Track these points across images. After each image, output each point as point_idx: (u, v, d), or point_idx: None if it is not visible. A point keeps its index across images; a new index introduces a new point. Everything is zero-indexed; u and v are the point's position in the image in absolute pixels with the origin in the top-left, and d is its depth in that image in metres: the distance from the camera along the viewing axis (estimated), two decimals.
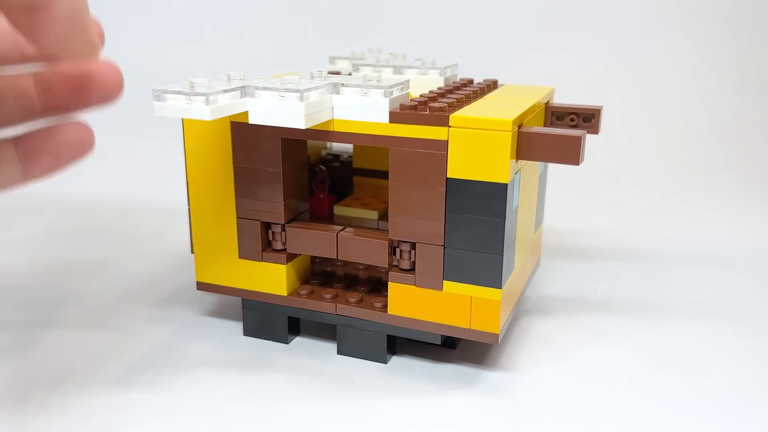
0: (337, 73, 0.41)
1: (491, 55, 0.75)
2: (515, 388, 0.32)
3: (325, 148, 0.43)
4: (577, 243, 0.50)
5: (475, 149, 0.28)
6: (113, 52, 0.28)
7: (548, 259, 0.46)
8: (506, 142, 0.28)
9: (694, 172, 0.68)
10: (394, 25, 0.78)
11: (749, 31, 0.76)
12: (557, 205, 0.51)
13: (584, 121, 0.35)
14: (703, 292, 0.42)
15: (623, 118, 0.72)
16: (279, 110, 0.28)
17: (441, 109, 0.29)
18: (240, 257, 0.34)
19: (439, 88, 0.34)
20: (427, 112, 0.29)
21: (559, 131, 0.29)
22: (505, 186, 0.28)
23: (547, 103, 0.36)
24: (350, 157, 0.41)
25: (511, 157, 0.29)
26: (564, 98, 0.45)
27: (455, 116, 0.28)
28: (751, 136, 0.73)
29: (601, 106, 0.35)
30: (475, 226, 0.29)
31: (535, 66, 0.75)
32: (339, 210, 0.38)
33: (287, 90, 0.28)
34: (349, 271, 0.36)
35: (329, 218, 0.39)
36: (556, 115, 0.35)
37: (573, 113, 0.35)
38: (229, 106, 0.28)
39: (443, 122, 0.29)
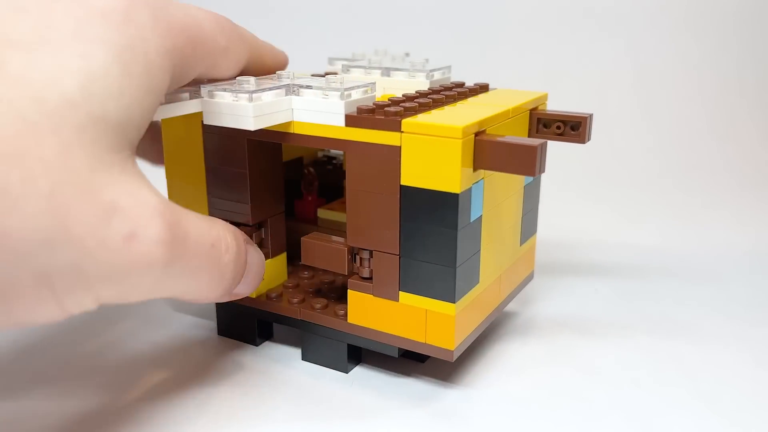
0: (335, 74, 0.40)
1: (502, 59, 0.74)
2: (524, 389, 0.31)
3: (322, 150, 0.42)
4: (581, 243, 0.49)
5: (427, 156, 0.27)
6: None
7: (554, 260, 0.45)
8: (456, 150, 0.26)
9: (695, 173, 0.66)
10: (412, 27, 0.77)
11: (750, 32, 0.74)
12: (554, 211, 0.49)
13: (572, 129, 0.33)
14: (704, 292, 0.41)
15: (625, 120, 0.71)
16: (230, 111, 0.28)
17: (396, 113, 0.28)
18: None
19: (417, 92, 0.32)
20: (382, 117, 0.28)
21: (515, 140, 0.27)
22: (456, 196, 0.27)
23: (535, 108, 0.34)
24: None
25: (466, 166, 0.27)
26: (569, 104, 0.42)
27: (407, 121, 0.27)
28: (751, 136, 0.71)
29: (590, 114, 0.33)
30: (429, 237, 0.28)
31: (548, 70, 0.74)
32: (323, 213, 0.37)
33: (239, 91, 0.28)
34: (327, 277, 0.36)
35: (314, 221, 0.38)
36: (542, 122, 0.33)
37: (560, 121, 0.33)
38: (182, 105, 0.28)
39: (395, 127, 0.28)
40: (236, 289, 0.28)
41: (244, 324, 0.35)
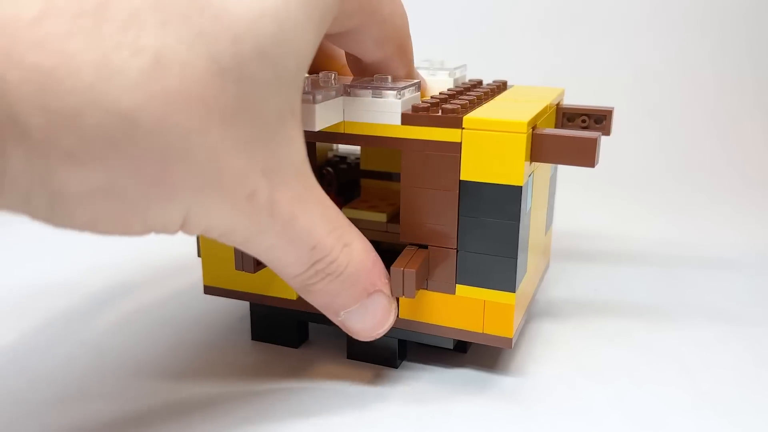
0: None
1: (495, 55, 0.75)
2: (526, 392, 0.31)
3: (332, 149, 0.42)
4: (582, 245, 0.50)
5: (489, 151, 0.28)
6: None
7: (556, 261, 0.46)
8: (521, 144, 0.28)
9: (696, 173, 0.68)
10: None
11: (751, 32, 0.76)
12: (561, 207, 0.51)
13: (596, 122, 0.35)
14: (704, 292, 0.42)
15: (625, 120, 0.72)
16: None
17: (454, 110, 0.29)
18: None
19: (449, 90, 0.33)
20: (440, 114, 0.29)
21: (573, 133, 0.29)
22: (519, 189, 0.28)
23: (558, 104, 0.35)
24: (357, 159, 0.41)
25: (525, 160, 0.28)
26: (574, 100, 0.44)
27: (468, 118, 0.28)
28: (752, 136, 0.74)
29: (613, 108, 0.35)
30: (489, 230, 0.29)
31: (543, 67, 0.75)
32: (347, 212, 0.37)
33: (304, 92, 0.28)
34: None
35: None
36: (567, 116, 0.35)
37: (584, 114, 0.35)
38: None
39: (456, 124, 0.28)
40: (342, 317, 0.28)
41: (281, 326, 0.35)
